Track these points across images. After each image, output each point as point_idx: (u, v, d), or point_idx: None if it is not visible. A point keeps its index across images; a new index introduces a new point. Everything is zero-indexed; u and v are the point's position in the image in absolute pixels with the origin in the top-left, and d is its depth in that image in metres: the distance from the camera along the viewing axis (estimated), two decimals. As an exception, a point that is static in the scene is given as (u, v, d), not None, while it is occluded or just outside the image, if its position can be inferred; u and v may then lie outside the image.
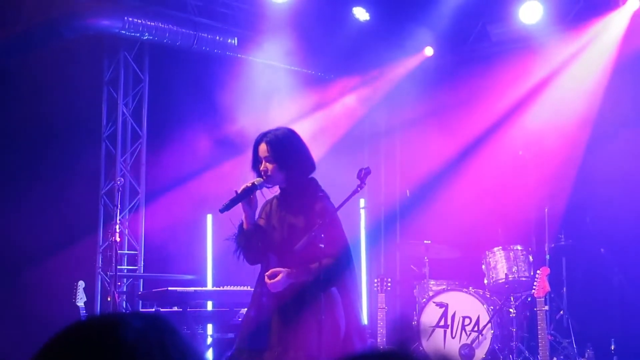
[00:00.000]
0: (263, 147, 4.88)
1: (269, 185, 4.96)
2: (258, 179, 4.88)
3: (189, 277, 8.73)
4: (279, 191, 5.03)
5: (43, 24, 8.47)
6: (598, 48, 9.21)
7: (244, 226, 4.91)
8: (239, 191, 4.82)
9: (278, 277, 4.75)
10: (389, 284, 8.17)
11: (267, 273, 4.81)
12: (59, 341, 1.30)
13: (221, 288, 7.79)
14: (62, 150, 8.82)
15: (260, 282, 4.99)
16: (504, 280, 8.41)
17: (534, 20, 9.36)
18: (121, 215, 8.75)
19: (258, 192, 4.95)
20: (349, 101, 10.40)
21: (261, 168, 4.88)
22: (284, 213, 4.96)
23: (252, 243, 4.91)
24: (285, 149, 4.87)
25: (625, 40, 8.98)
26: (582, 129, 9.05)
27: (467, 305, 8.33)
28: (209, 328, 8.21)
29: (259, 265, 5.06)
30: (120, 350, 1.26)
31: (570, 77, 9.30)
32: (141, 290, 9.03)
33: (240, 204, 4.84)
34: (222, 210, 4.82)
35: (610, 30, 9.14)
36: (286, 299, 4.80)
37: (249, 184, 4.84)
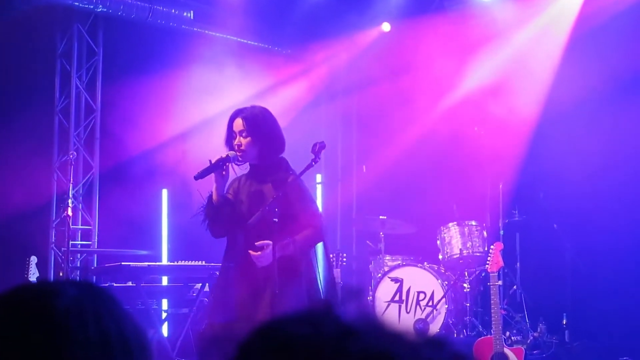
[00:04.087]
0: (239, 122, 4.99)
1: (240, 162, 5.03)
2: (232, 152, 4.98)
3: (144, 252, 8.67)
4: (248, 169, 5.10)
5: (-6, -5, 8.32)
6: (553, 23, 9.26)
7: (214, 197, 4.98)
8: (213, 161, 4.91)
9: (265, 250, 4.79)
10: (345, 259, 8.21)
11: (254, 247, 4.83)
12: None
13: (175, 263, 7.76)
14: (14, 123, 8.68)
15: (228, 257, 5.06)
16: (458, 255, 8.48)
17: (491, -2, 9.41)
18: (74, 190, 8.65)
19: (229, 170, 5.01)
20: (306, 76, 10.36)
21: (235, 142, 4.97)
22: (254, 188, 5.05)
23: (219, 215, 4.98)
24: (260, 125, 4.98)
25: (580, 15, 9.04)
26: (536, 105, 9.12)
27: (421, 281, 8.38)
28: (164, 303, 8.18)
29: (221, 240, 5.13)
30: (52, 317, 1.25)
31: (525, 52, 9.36)
32: (95, 265, 8.95)
33: (212, 174, 4.93)
34: (196, 177, 4.94)
35: (565, 5, 9.20)
36: (251, 272, 4.85)
37: (224, 155, 4.95)
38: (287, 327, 1.05)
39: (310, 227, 4.91)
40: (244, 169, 5.12)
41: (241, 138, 4.96)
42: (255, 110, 5.04)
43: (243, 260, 4.90)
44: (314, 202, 5.10)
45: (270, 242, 4.77)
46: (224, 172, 4.94)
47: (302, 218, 4.88)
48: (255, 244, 4.82)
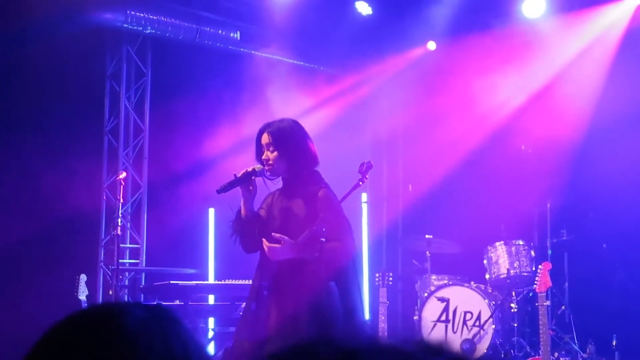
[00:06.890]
0: (265, 137, 4.93)
1: (272, 177, 4.99)
2: (259, 165, 4.93)
3: (191, 270, 8.74)
4: (282, 184, 5.04)
5: (45, 18, 8.46)
6: (601, 41, 9.19)
7: (242, 212, 4.94)
8: (238, 175, 4.86)
9: (280, 244, 4.74)
10: (391, 279, 8.18)
11: (271, 241, 4.77)
12: (59, 329, 1.30)
13: (223, 282, 7.81)
14: (65, 144, 8.82)
15: (259, 275, 4.99)
16: (505, 275, 8.41)
17: (537, 15, 9.35)
18: (123, 209, 8.75)
19: (261, 185, 4.97)
20: (352, 95, 10.38)
21: (263, 157, 4.92)
22: (285, 203, 4.97)
23: (248, 230, 4.93)
24: (287, 138, 4.91)
25: (628, 32, 8.97)
26: (585, 124, 9.03)
27: (468, 300, 8.32)
28: (211, 322, 8.23)
29: (258, 258, 5.06)
30: (121, 339, 1.27)
31: (574, 70, 9.28)
32: (143, 284, 9.04)
33: (239, 189, 4.88)
34: (219, 191, 4.87)
35: (613, 22, 9.12)
36: (286, 292, 4.80)
37: (250, 169, 4.89)
38: (286, 358, 1.06)
39: (338, 242, 4.73)
40: (278, 183, 5.05)
41: (268, 152, 4.89)
42: (282, 124, 4.96)
43: (276, 280, 4.84)
44: (344, 217, 4.89)
45: (286, 237, 4.72)
46: (251, 187, 4.87)
47: (330, 232, 4.67)
48: (273, 234, 4.75)
